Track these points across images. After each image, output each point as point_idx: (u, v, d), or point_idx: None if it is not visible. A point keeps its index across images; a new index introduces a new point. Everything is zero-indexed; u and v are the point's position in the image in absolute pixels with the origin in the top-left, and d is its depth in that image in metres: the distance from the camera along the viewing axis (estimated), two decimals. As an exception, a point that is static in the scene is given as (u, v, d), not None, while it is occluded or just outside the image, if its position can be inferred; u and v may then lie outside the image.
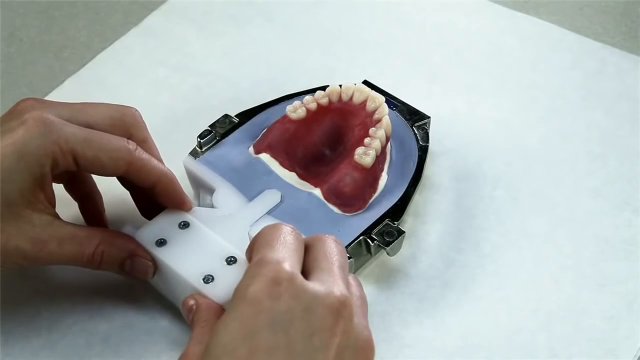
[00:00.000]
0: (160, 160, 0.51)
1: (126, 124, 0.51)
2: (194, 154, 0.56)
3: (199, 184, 0.55)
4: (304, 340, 0.39)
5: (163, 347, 0.50)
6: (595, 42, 0.68)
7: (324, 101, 0.56)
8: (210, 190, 0.54)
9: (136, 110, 0.52)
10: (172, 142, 0.57)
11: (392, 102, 0.58)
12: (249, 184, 0.54)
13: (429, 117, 0.58)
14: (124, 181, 0.52)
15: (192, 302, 0.46)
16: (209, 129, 0.57)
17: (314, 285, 0.40)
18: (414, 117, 0.58)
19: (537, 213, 0.56)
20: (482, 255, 0.54)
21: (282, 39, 0.69)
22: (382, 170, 0.55)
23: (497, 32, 0.69)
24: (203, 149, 0.57)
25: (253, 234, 0.49)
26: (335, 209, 0.53)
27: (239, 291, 0.40)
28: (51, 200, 0.48)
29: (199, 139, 0.57)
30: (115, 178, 0.51)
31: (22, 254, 0.47)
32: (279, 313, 0.39)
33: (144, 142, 0.51)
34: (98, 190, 0.54)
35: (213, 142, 0.57)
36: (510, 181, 0.58)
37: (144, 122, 0.52)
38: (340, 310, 0.40)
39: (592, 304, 0.51)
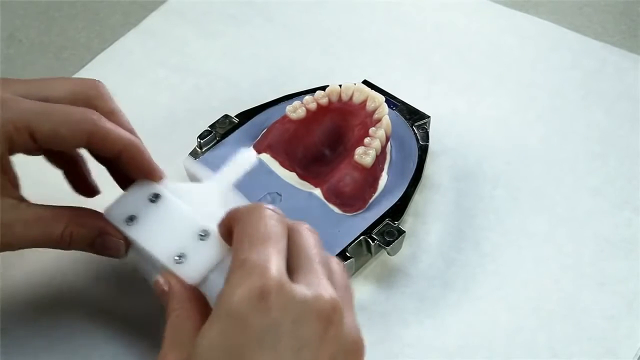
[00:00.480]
0: (131, 131, 0.48)
1: (89, 97, 0.48)
2: (194, 154, 0.56)
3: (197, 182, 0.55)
4: (293, 355, 0.37)
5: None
6: (595, 42, 0.68)
7: (324, 101, 0.56)
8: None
9: (99, 81, 0.49)
10: (172, 142, 0.57)
11: (392, 101, 0.58)
12: (249, 184, 0.54)
13: (429, 117, 0.58)
14: (96, 155, 0.50)
15: (164, 285, 0.43)
16: (209, 129, 0.57)
17: (301, 291, 0.38)
18: (414, 117, 0.58)
19: (537, 212, 0.56)
20: (482, 255, 0.54)
21: (282, 39, 0.69)
22: (382, 170, 0.55)
23: (496, 31, 0.69)
24: (203, 150, 0.57)
25: (228, 201, 0.47)
26: (336, 209, 0.53)
27: (223, 302, 0.38)
28: (13, 182, 0.47)
29: (199, 140, 0.57)
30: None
31: None
32: (266, 328, 0.37)
33: (111, 113, 0.48)
34: (79, 154, 0.51)
35: (213, 143, 0.57)
36: (510, 180, 0.58)
37: (108, 93, 0.49)
38: (330, 317, 0.38)
39: (592, 303, 0.51)
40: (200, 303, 0.42)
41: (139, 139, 0.48)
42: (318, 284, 0.39)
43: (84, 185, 0.52)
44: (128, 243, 0.47)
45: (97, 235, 0.47)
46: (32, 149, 0.47)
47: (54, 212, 0.47)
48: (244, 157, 0.49)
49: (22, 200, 0.47)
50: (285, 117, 0.56)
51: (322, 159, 0.56)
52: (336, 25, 0.70)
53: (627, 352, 0.49)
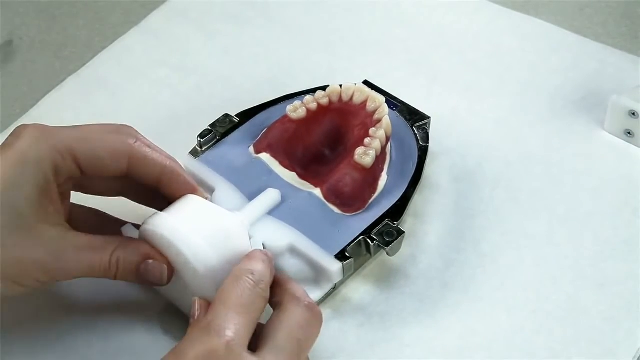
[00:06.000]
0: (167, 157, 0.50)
1: (124, 133, 0.49)
2: (194, 153, 0.56)
3: (199, 184, 0.55)
4: None
5: (164, 345, 0.50)
6: (595, 43, 0.68)
7: (324, 101, 0.56)
8: (211, 190, 0.54)
9: (132, 127, 0.50)
10: (173, 141, 0.57)
11: (392, 102, 0.58)
12: (249, 184, 0.54)
13: (429, 117, 0.58)
14: (128, 188, 0.51)
15: (198, 311, 0.45)
16: (210, 128, 0.57)
17: None
18: (414, 117, 0.58)
19: (536, 213, 0.56)
20: (482, 255, 0.54)
21: (283, 39, 0.69)
22: (382, 170, 0.55)
23: (497, 32, 0.69)
24: (203, 149, 0.57)
25: (253, 234, 0.49)
26: (335, 209, 0.53)
27: (179, 352, 0.41)
28: (60, 211, 0.47)
29: (199, 139, 0.57)
30: None
31: (41, 267, 0.46)
32: None
33: (147, 146, 0.49)
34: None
35: (213, 142, 0.57)
36: (510, 181, 0.58)
37: (141, 135, 0.50)
38: None
39: (591, 304, 0.51)
40: None
41: (175, 160, 0.49)
42: None
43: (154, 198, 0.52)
44: (171, 270, 0.48)
45: (142, 260, 0.47)
46: (77, 175, 0.47)
47: (102, 240, 0.47)
48: (269, 196, 0.52)
49: (70, 229, 0.47)
50: (285, 116, 0.56)
51: (322, 159, 0.56)
52: (337, 26, 0.70)
53: (626, 353, 0.49)
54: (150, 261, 0.47)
